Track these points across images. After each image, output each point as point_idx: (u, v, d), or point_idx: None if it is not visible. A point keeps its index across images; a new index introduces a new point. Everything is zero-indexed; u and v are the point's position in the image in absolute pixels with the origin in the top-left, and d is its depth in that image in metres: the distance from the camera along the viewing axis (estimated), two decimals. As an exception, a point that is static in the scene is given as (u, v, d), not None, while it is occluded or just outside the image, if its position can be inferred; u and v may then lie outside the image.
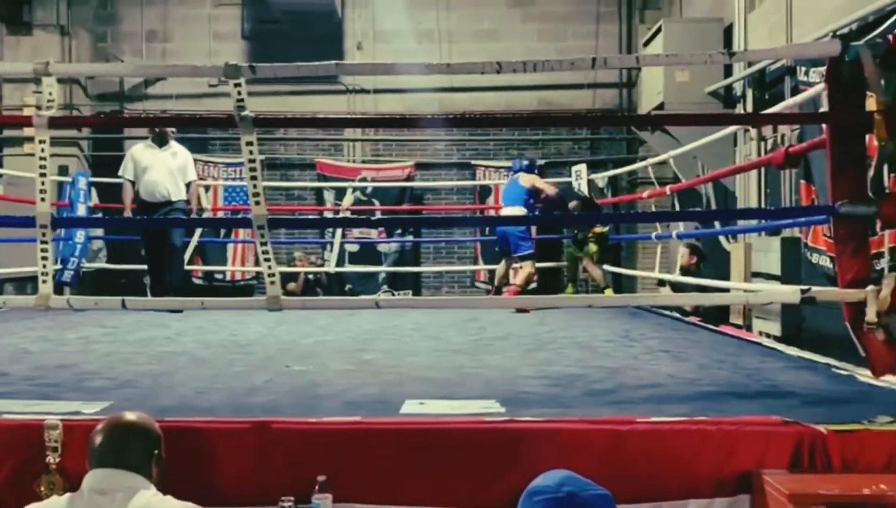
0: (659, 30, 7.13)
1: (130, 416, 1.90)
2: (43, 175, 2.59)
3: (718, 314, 5.73)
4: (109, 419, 1.91)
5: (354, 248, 9.35)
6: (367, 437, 2.23)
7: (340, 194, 9.29)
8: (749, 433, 2.19)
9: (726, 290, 5.14)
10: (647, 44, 7.56)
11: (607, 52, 9.19)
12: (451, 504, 2.19)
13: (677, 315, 5.79)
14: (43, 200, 2.62)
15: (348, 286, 9.13)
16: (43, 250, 2.65)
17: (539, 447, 2.17)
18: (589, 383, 2.96)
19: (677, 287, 6.33)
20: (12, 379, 3.00)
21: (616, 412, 2.39)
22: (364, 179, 9.37)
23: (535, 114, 9.24)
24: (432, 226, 10.41)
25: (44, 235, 2.64)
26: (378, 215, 9.29)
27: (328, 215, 9.28)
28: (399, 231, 9.33)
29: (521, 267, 6.58)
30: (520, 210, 6.42)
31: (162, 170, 5.78)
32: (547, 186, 6.64)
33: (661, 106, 7.03)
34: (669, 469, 2.18)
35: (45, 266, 2.68)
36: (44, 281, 2.71)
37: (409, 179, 9.39)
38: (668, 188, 5.76)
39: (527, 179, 6.54)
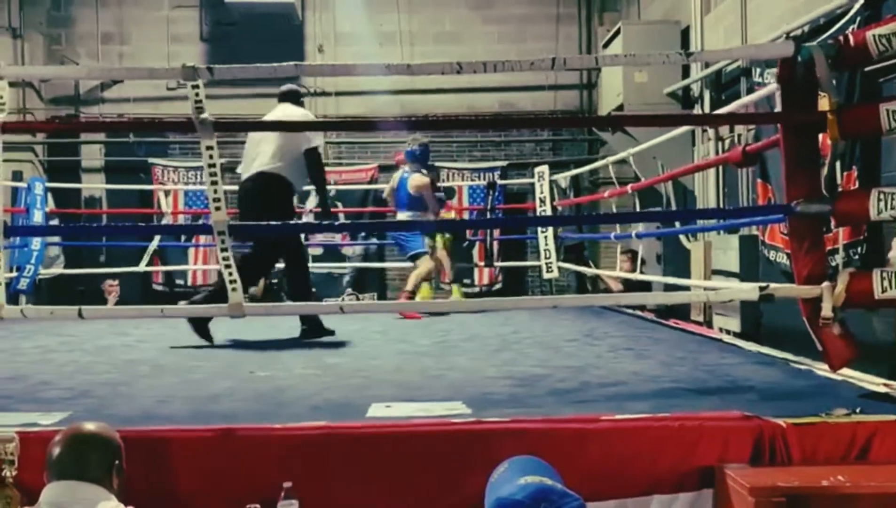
0: (618, 32, 7.21)
1: (89, 426, 1.86)
2: (-6, 181, 2.52)
3: (671, 310, 5.81)
4: (68, 430, 1.87)
5: (318, 251, 9.28)
6: (333, 442, 2.22)
7: (303, 197, 9.21)
8: (710, 429, 2.23)
9: (687, 288, 5.22)
10: (606, 45, 7.65)
11: (567, 54, 9.27)
12: (419, 507, 2.19)
13: (639, 313, 5.86)
14: (-6, 207, 2.56)
15: (313, 290, 9.04)
16: None
17: (505, 446, 2.17)
18: (553, 382, 2.98)
19: (633, 285, 6.42)
20: (-35, 391, 2.92)
21: (580, 411, 2.42)
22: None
23: (497, 116, 9.28)
24: (396, 229, 10.37)
25: (-4, 242, 2.57)
26: (341, 219, 9.24)
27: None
28: (363, 234, 9.30)
29: (414, 267, 6.16)
30: (407, 215, 6.06)
31: None
32: (428, 187, 6.11)
33: (620, 107, 7.11)
34: (634, 465, 2.21)
35: (-2, 275, 2.61)
36: (-3, 290, 2.64)
37: (372, 181, 9.36)
38: (629, 187, 5.83)
39: (414, 185, 6.03)
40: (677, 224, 6.28)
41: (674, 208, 6.82)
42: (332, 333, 4.49)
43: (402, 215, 6.11)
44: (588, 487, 2.04)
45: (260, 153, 4.46)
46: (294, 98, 4.75)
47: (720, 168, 6.04)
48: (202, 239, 8.86)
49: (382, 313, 5.80)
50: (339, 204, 9.29)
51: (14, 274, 6.32)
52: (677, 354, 3.78)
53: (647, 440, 2.22)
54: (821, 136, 2.81)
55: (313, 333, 4.44)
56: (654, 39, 6.94)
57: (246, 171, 4.54)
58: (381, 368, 3.42)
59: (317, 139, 4.49)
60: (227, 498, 2.14)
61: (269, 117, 4.61)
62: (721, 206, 6.21)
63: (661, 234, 6.59)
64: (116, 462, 1.84)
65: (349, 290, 9.29)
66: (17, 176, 8.07)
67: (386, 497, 2.19)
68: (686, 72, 6.87)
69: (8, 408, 2.55)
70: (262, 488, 2.12)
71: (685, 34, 6.99)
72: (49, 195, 7.10)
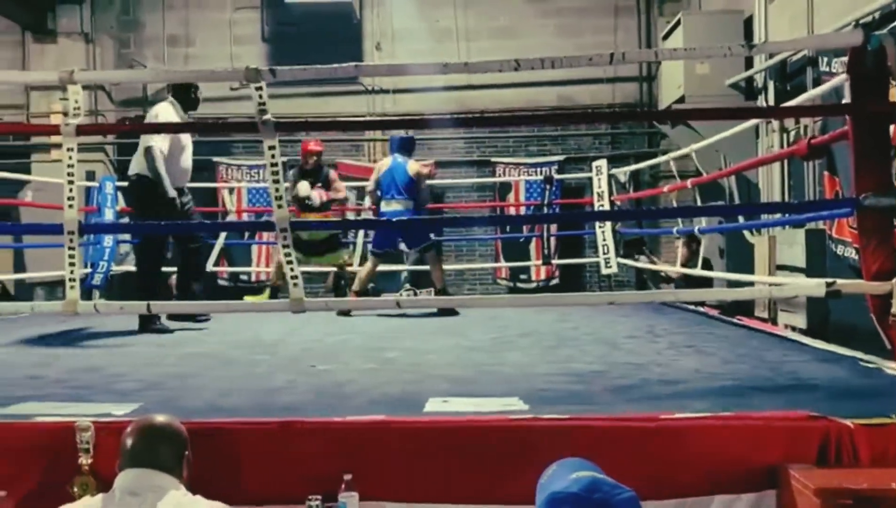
0: (678, 23, 7.08)
1: (160, 418, 1.94)
2: (71, 182, 2.64)
3: (737, 306, 5.69)
4: (140, 420, 1.95)
5: (404, 246, 9.38)
6: (391, 435, 2.25)
7: (361, 194, 9.33)
8: (775, 428, 2.18)
9: (751, 283, 5.09)
10: (666, 37, 7.51)
11: (626, 47, 9.15)
12: (475, 501, 2.20)
13: (702, 310, 5.75)
14: (71, 206, 2.67)
15: (371, 285, 9.15)
16: (70, 257, 2.70)
17: (563, 443, 2.17)
18: (612, 379, 2.96)
19: (693, 280, 6.28)
20: (44, 382, 3.06)
21: (640, 409, 2.39)
22: (384, 179, 9.39)
23: (553, 112, 9.22)
24: (453, 225, 10.42)
25: (71, 241, 2.69)
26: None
27: (350, 215, 9.32)
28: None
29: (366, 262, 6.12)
30: (409, 203, 5.84)
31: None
32: (424, 167, 6.13)
33: (681, 99, 6.98)
34: (694, 465, 2.18)
35: (72, 272, 2.74)
36: (71, 287, 2.76)
37: (429, 177, 9.39)
38: (689, 182, 5.71)
39: (415, 170, 5.89)
40: (741, 219, 6.13)
41: (737, 201, 6.66)
42: (169, 331, 4.63)
43: (397, 203, 5.80)
44: (647, 486, 2.03)
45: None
46: (182, 95, 4.81)
47: (785, 160, 5.87)
48: (265, 236, 9.08)
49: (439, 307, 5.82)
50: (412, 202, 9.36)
51: (88, 271, 6.58)
52: (740, 351, 3.70)
53: (708, 439, 2.19)
54: (892, 127, 2.71)
55: (144, 328, 4.61)
56: (716, 30, 6.79)
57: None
58: (438, 363, 3.44)
59: (153, 140, 4.56)
60: (288, 490, 2.19)
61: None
62: (786, 199, 6.04)
63: (724, 229, 6.44)
64: (186, 452, 1.91)
65: (407, 285, 9.36)
66: (89, 176, 8.39)
67: (442, 491, 2.21)
68: (749, 62, 6.70)
69: (83, 398, 2.66)
70: (322, 480, 2.16)
71: (748, 23, 6.82)
72: (119, 194, 7.35)
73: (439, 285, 5.96)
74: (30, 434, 2.26)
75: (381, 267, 8.94)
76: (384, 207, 5.84)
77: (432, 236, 6.05)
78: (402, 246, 6.56)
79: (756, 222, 5.71)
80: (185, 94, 4.78)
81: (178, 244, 4.99)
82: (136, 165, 4.70)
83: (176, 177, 4.69)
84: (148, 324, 4.61)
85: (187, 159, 4.88)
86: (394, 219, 5.73)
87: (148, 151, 4.53)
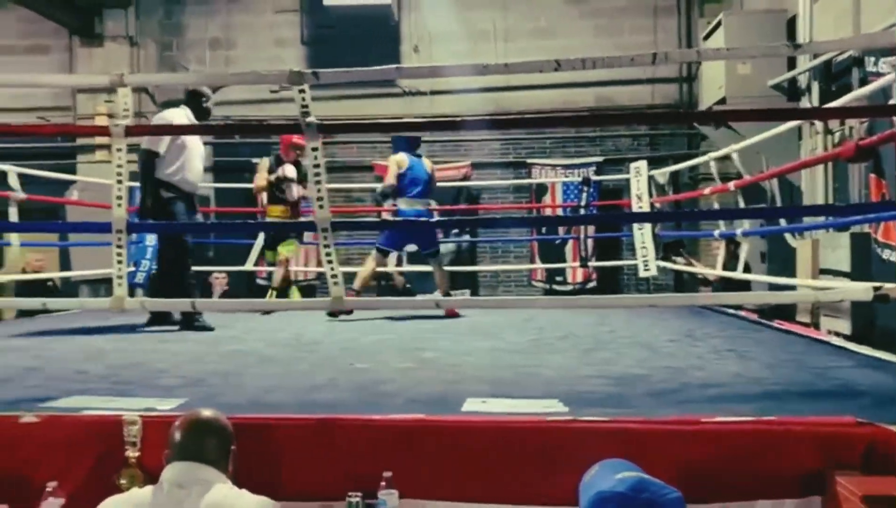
0: (719, 23, 6.99)
1: (207, 413, 1.98)
2: (120, 182, 2.70)
3: (777, 311, 5.59)
4: (188, 415, 1.99)
5: (412, 247, 9.41)
6: (431, 434, 2.26)
7: (386, 194, 9.36)
8: (820, 434, 2.14)
9: (793, 287, 5.01)
10: (707, 37, 7.42)
11: (666, 47, 9.06)
12: (514, 501, 2.20)
13: (741, 314, 5.67)
14: (119, 205, 2.74)
15: (407, 285, 9.21)
16: (118, 254, 2.77)
17: (603, 446, 2.16)
18: (652, 383, 2.93)
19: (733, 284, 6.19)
20: (90, 377, 3.13)
21: (681, 413, 2.36)
22: (421, 180, 9.43)
23: (591, 112, 9.16)
24: (488, 226, 10.42)
25: (119, 239, 2.75)
26: (436, 216, 9.34)
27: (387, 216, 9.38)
28: (456, 231, 9.37)
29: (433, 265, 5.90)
30: (429, 203, 5.80)
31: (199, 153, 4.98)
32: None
33: (722, 100, 6.89)
34: (736, 469, 2.15)
35: (120, 270, 2.80)
36: (119, 284, 2.83)
37: (465, 178, 9.42)
38: (731, 184, 5.64)
39: (430, 165, 5.85)
40: (782, 222, 6.03)
41: (779, 204, 6.56)
42: (210, 329, 4.64)
43: (419, 202, 5.70)
44: (688, 490, 2.00)
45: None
46: (195, 102, 4.92)
47: (829, 162, 5.76)
48: (304, 236, 9.16)
49: (475, 308, 5.83)
50: (433, 201, 9.40)
51: (131, 269, 6.72)
52: (782, 356, 3.64)
53: (751, 444, 2.16)
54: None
55: (188, 325, 4.66)
56: (758, 30, 6.70)
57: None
58: (475, 364, 3.45)
59: (150, 141, 4.62)
60: (328, 486, 2.22)
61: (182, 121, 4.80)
62: (830, 202, 5.92)
63: (767, 232, 6.35)
64: (232, 447, 1.95)
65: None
66: (133, 176, 8.55)
67: (480, 491, 2.21)
68: (792, 63, 6.58)
69: (129, 393, 2.72)
70: (362, 477, 2.18)
71: (791, 23, 6.71)
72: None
73: (445, 290, 5.83)
74: (79, 427, 2.32)
75: (417, 268, 9.03)
76: (404, 205, 5.67)
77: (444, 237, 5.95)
78: (409, 247, 6.44)
79: (799, 225, 5.62)
80: (196, 101, 4.88)
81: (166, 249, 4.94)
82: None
83: (187, 182, 4.77)
84: (190, 321, 4.68)
85: (197, 166, 4.93)
86: (419, 218, 5.64)
87: (140, 152, 4.66)
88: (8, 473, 2.27)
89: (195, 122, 4.84)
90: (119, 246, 2.75)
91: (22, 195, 5.95)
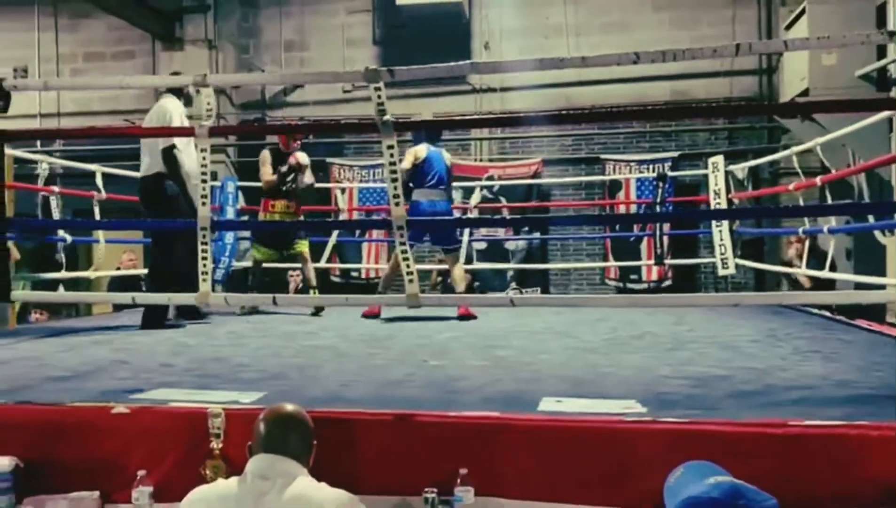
0: (802, 11, 6.73)
1: (290, 407, 2.02)
2: (204, 181, 2.78)
3: (863, 310, 5.33)
4: (272, 409, 2.03)
5: (482, 246, 9.43)
6: (506, 433, 2.25)
7: (468, 192, 9.39)
8: (918, 440, 2.04)
9: (882, 286, 4.78)
10: (789, 27, 7.15)
11: (745, 38, 8.78)
12: (590, 503, 2.17)
13: (826, 314, 5.45)
14: (204, 204, 2.82)
15: (476, 284, 9.22)
16: (203, 251, 2.85)
17: (683, 448, 2.11)
18: (734, 384, 2.85)
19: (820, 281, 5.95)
20: (175, 370, 3.25)
21: (765, 415, 2.28)
22: (491, 178, 9.43)
23: (667, 106, 8.95)
24: (559, 224, 10.32)
25: (204, 236, 2.84)
26: (505, 213, 9.32)
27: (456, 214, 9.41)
28: (526, 228, 9.32)
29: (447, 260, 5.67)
30: (448, 195, 5.57)
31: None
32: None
33: (805, 92, 6.63)
34: (825, 476, 2.07)
35: (205, 266, 2.89)
36: (203, 279, 2.92)
37: (535, 175, 9.35)
38: (818, 179, 5.42)
39: (448, 156, 5.66)
40: (871, 218, 5.76)
41: (866, 200, 6.27)
42: (179, 326, 4.64)
43: (437, 194, 5.45)
44: (774, 495, 1.93)
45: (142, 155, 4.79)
46: (177, 92, 4.85)
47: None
48: (374, 234, 9.30)
49: (550, 306, 5.77)
50: (503, 199, 9.39)
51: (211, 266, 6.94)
52: (872, 358, 3.48)
53: (841, 450, 2.07)
54: None
55: (149, 324, 4.64)
56: (845, 18, 6.42)
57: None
58: (550, 362, 3.42)
59: (174, 139, 4.57)
60: (405, 481, 2.24)
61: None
62: (924, 198, 5.62)
63: (853, 229, 6.08)
64: (314, 442, 1.98)
65: (513, 285, 9.36)
66: (212, 176, 8.81)
67: (554, 491, 2.19)
68: (882, 52, 6.28)
69: (212, 386, 2.80)
70: (437, 473, 2.20)
71: (881, 10, 6.39)
72: (240, 193, 7.71)
73: (462, 287, 5.53)
74: (166, 419, 2.40)
75: (488, 265, 9.02)
76: (421, 196, 5.41)
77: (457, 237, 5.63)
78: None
79: (889, 221, 5.35)
80: (178, 93, 4.91)
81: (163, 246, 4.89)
82: (156, 165, 4.77)
83: (191, 176, 4.72)
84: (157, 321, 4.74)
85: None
86: (435, 209, 5.39)
87: (170, 151, 4.67)
88: (100, 461, 2.38)
89: (184, 109, 4.86)
90: (204, 243, 2.83)
91: (103, 195, 6.22)
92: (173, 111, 4.77)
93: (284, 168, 5.88)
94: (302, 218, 6.17)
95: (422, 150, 5.49)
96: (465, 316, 5.24)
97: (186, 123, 4.70)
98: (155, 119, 4.83)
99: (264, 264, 6.04)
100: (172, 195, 4.72)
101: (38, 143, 9.90)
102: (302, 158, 5.91)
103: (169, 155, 4.69)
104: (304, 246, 5.87)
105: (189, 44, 9.86)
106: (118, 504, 2.34)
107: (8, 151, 4.78)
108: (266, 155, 5.99)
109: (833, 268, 5.97)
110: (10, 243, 4.60)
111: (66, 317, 7.97)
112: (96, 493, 2.34)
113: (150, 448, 2.35)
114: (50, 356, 3.69)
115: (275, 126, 4.68)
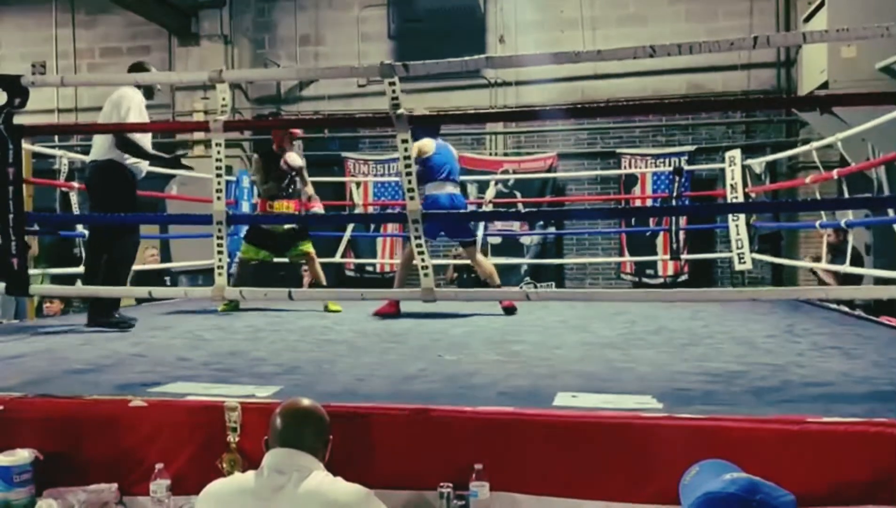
0: (822, 3, 6.66)
1: (306, 402, 2.02)
2: (219, 175, 2.79)
3: (884, 306, 5.28)
4: (289, 403, 2.04)
5: (497, 240, 9.42)
6: (522, 428, 2.24)
7: (483, 187, 9.38)
8: (939, 438, 2.01)
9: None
10: (807, 19, 7.08)
11: (763, 31, 8.68)
12: (606, 498, 2.17)
13: (844, 309, 5.39)
14: (219, 198, 2.83)
15: (454, 279, 9.20)
16: (219, 245, 2.86)
17: (700, 445, 2.09)
18: (752, 380, 2.82)
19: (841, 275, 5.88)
20: (193, 364, 3.26)
21: (783, 412, 2.26)
22: (506, 172, 9.41)
23: (683, 99, 8.86)
24: (574, 218, 10.29)
25: (220, 230, 2.85)
26: (520, 208, 9.30)
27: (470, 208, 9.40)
28: (541, 223, 9.30)
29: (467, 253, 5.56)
30: (457, 188, 5.40)
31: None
32: None
33: (824, 85, 6.56)
34: (844, 473, 2.05)
35: (220, 260, 2.90)
36: (219, 274, 2.93)
37: (550, 170, 9.32)
38: (835, 172, 5.36)
39: (454, 150, 5.54)
40: (890, 212, 5.69)
41: (886, 193, 6.20)
42: (126, 326, 4.40)
43: (452, 187, 5.30)
44: (792, 492, 1.92)
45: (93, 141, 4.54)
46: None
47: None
48: (389, 228, 9.31)
49: (565, 301, 5.74)
50: (518, 194, 9.37)
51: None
52: (893, 354, 3.44)
53: (861, 447, 2.05)
54: None
55: (95, 321, 4.43)
56: (865, 10, 6.33)
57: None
58: (566, 357, 3.41)
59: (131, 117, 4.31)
60: (420, 476, 2.24)
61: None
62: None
63: (873, 222, 6.01)
64: (330, 436, 1.99)
65: (527, 279, 9.34)
66: (227, 170, 8.86)
67: (570, 486, 2.19)
68: (903, 43, 6.20)
69: (228, 380, 2.82)
70: (453, 468, 2.20)
71: (903, 1, 6.31)
72: (255, 188, 7.74)
73: (497, 280, 5.45)
74: (184, 412, 2.42)
75: (503, 260, 9.00)
76: (435, 189, 5.24)
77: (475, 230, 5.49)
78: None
79: (909, 216, 5.29)
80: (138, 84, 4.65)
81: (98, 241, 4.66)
82: (108, 151, 4.49)
83: (143, 168, 4.62)
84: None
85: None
86: (453, 202, 5.25)
87: (128, 138, 4.40)
88: (119, 454, 2.40)
89: (143, 99, 4.60)
90: (220, 237, 2.84)
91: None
92: (131, 100, 4.51)
93: (285, 167, 5.53)
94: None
95: (429, 143, 5.35)
96: (509, 308, 5.21)
97: (145, 114, 4.54)
98: (113, 107, 4.56)
99: (253, 262, 5.83)
100: (124, 184, 4.52)
101: (56, 138, 9.98)
102: (292, 159, 5.52)
103: (127, 140, 4.43)
104: (307, 246, 5.71)
105: (205, 39, 9.90)
106: (136, 496, 2.36)
107: (26, 146, 4.76)
108: (257, 162, 5.69)
109: (857, 262, 5.90)
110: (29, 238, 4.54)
111: (76, 309, 8.02)
112: (115, 485, 2.36)
113: (167, 442, 2.37)
114: (68, 349, 3.72)
115: (288, 120, 4.66)
